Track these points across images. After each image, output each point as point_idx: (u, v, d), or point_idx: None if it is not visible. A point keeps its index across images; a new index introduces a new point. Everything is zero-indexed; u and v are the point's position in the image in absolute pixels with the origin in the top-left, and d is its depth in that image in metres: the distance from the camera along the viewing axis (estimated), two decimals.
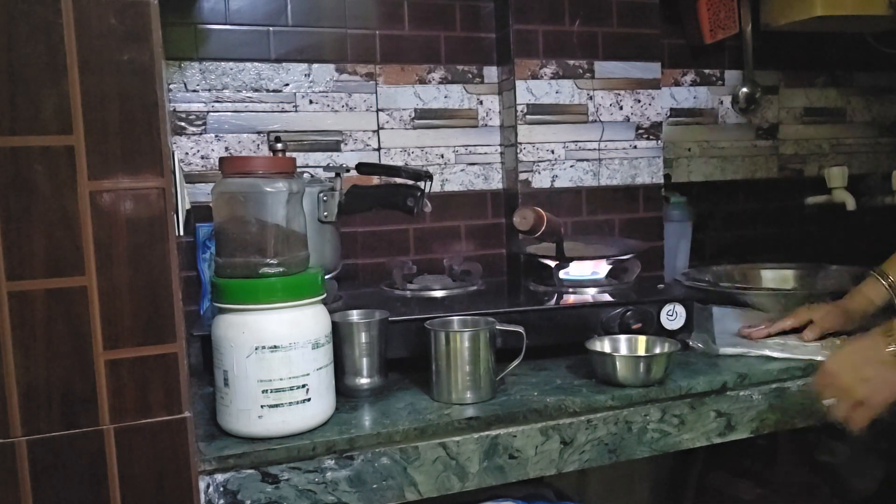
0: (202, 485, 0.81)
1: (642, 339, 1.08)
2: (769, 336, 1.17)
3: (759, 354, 1.13)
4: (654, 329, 1.15)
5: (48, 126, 0.71)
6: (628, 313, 1.15)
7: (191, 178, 1.40)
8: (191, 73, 1.40)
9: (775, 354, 1.12)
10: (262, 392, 0.85)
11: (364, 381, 1.00)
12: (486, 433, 0.92)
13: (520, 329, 1.01)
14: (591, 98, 1.57)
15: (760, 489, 1.43)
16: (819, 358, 1.08)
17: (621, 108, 1.59)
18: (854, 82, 1.97)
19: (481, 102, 1.60)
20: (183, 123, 1.41)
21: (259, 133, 1.45)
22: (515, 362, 1.01)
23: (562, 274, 1.31)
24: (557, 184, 1.55)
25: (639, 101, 1.60)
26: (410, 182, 1.25)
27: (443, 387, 0.98)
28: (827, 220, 1.89)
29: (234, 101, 1.43)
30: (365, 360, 1.00)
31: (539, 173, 1.54)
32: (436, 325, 1.01)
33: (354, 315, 1.04)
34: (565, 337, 1.14)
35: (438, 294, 1.28)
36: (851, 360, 0.90)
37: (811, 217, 1.90)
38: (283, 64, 1.46)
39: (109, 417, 0.75)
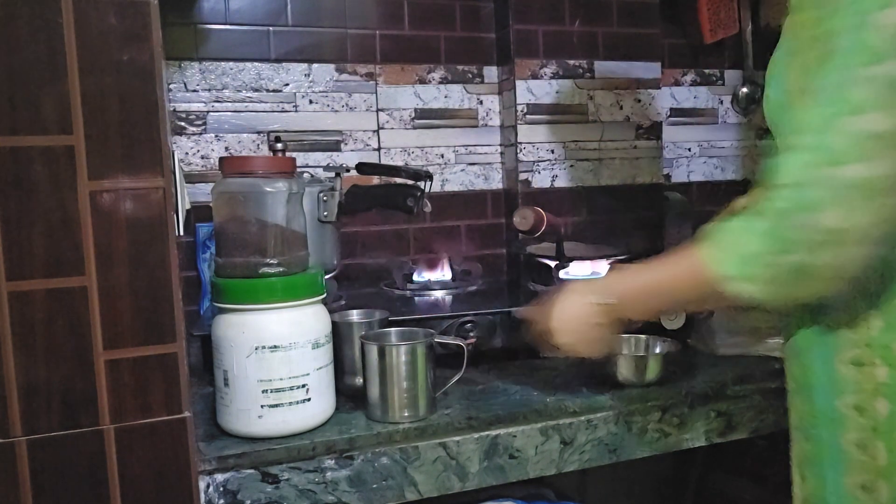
0: (202, 485, 0.81)
1: (642, 339, 1.08)
2: None
3: (759, 354, 1.13)
4: (654, 329, 1.15)
5: (48, 126, 0.71)
6: None
7: (191, 178, 1.40)
8: (191, 73, 1.40)
9: (775, 354, 1.12)
10: (262, 392, 0.85)
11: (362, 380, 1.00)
12: (486, 433, 0.92)
13: (461, 342, 0.96)
14: (591, 98, 1.57)
15: (760, 489, 1.43)
16: None
17: (621, 108, 1.59)
18: None
19: (481, 102, 1.60)
20: (183, 123, 1.41)
21: (259, 133, 1.45)
22: (455, 378, 0.96)
23: (562, 274, 1.31)
24: (557, 184, 1.55)
25: (639, 101, 1.60)
26: (410, 182, 1.25)
27: (376, 405, 0.91)
28: None
29: (234, 101, 1.43)
30: None
31: (539, 173, 1.54)
32: (370, 338, 0.94)
33: (354, 315, 1.04)
34: None
35: (438, 294, 1.28)
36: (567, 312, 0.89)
37: None
38: (283, 64, 1.46)
39: (109, 417, 0.75)
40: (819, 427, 0.80)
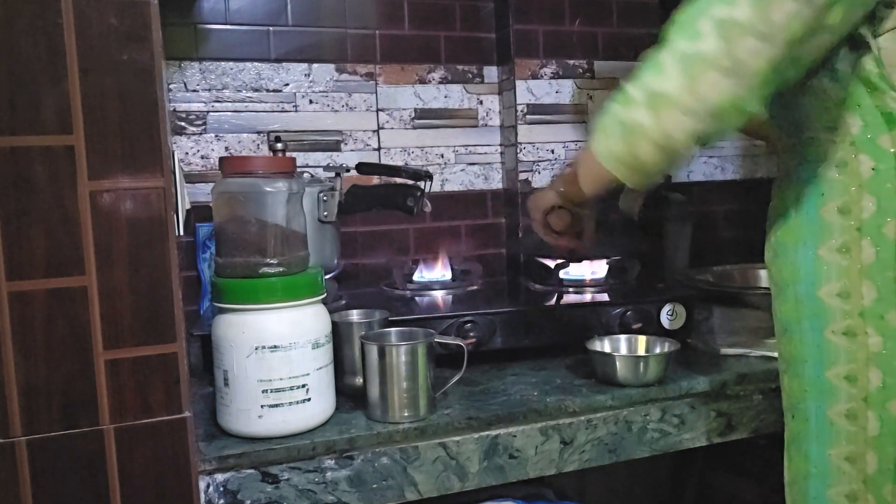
0: (202, 484, 0.81)
1: (642, 339, 1.08)
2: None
3: (759, 354, 1.13)
4: (654, 329, 1.15)
5: (48, 126, 0.71)
6: (628, 313, 1.15)
7: (191, 178, 1.40)
8: (191, 73, 1.40)
9: (775, 354, 1.12)
10: (262, 392, 0.85)
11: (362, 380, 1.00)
12: (486, 433, 0.92)
13: (461, 342, 0.97)
14: (591, 98, 1.57)
15: (760, 489, 1.43)
16: None
17: None
18: None
19: (481, 102, 1.60)
20: (183, 123, 1.41)
21: (259, 133, 1.45)
22: (455, 378, 0.96)
23: (562, 274, 1.31)
24: None
25: None
26: (410, 182, 1.25)
27: (376, 405, 0.91)
28: None
29: (234, 101, 1.43)
30: None
31: (539, 173, 1.54)
32: (371, 338, 0.94)
33: (354, 315, 1.04)
34: (565, 337, 1.14)
35: (438, 294, 1.28)
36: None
37: None
38: (283, 64, 1.46)
39: (109, 417, 0.75)
40: (808, 400, 0.80)
